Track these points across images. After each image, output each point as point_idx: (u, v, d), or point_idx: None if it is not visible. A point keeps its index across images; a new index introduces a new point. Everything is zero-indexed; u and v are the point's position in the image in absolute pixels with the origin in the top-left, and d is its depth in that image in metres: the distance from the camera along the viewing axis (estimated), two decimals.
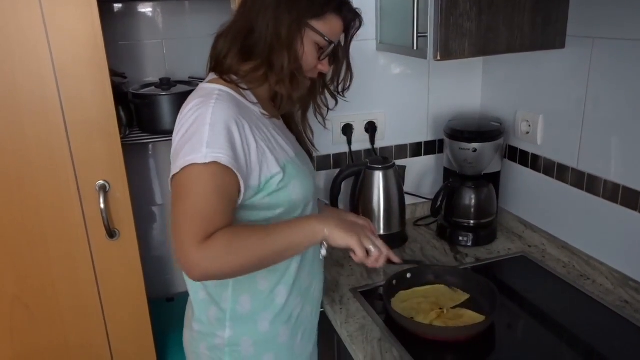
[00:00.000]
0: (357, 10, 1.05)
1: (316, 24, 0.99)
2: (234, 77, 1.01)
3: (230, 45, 1.01)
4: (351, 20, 1.04)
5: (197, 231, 0.86)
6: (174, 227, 0.88)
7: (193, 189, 0.88)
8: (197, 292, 1.08)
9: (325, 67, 1.05)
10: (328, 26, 1.00)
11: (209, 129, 0.89)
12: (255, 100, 1.02)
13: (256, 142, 0.95)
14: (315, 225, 0.95)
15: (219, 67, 1.02)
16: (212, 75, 1.03)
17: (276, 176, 0.98)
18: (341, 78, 1.11)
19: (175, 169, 0.90)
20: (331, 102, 1.15)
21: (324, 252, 1.03)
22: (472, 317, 1.19)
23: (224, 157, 0.88)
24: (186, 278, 1.03)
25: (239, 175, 0.91)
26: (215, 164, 0.87)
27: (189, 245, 0.86)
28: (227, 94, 0.96)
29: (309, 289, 1.13)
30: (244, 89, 1.01)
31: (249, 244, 0.90)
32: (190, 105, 0.94)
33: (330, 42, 1.01)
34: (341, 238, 0.96)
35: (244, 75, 1.01)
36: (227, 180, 0.90)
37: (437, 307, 1.22)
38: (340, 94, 1.13)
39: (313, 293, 1.15)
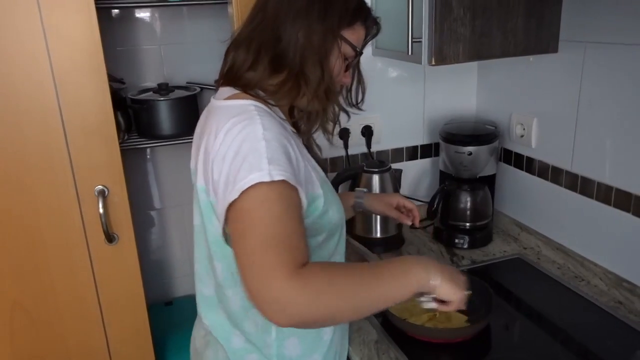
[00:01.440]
0: (378, 19, 0.98)
1: (346, 33, 0.91)
2: (260, 93, 0.90)
3: (256, 57, 0.89)
4: (371, 28, 0.97)
5: (286, 260, 0.70)
6: (248, 263, 0.72)
7: (264, 212, 0.73)
8: (229, 339, 0.96)
9: (348, 79, 0.97)
10: (355, 35, 0.93)
11: (265, 145, 0.77)
12: (283, 117, 0.92)
13: (302, 160, 0.85)
14: (421, 275, 0.81)
15: (238, 80, 0.91)
16: (231, 90, 0.91)
17: (319, 198, 0.88)
18: (353, 89, 1.02)
19: (233, 194, 0.74)
20: (343, 116, 1.02)
21: (432, 305, 0.88)
22: (458, 321, 1.20)
23: (289, 175, 0.76)
24: (216, 322, 0.95)
25: (302, 196, 0.79)
26: (282, 182, 0.75)
27: (280, 278, 0.68)
28: (264, 110, 0.86)
29: None
30: (271, 104, 0.89)
31: (351, 283, 0.75)
32: (229, 125, 0.81)
33: (359, 53, 0.95)
34: (449, 294, 0.84)
35: (275, 90, 0.89)
36: (295, 200, 0.77)
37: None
38: (356, 106, 1.03)
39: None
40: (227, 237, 0.86)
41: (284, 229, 0.73)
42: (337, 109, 0.95)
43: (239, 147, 0.78)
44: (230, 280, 0.92)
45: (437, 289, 0.84)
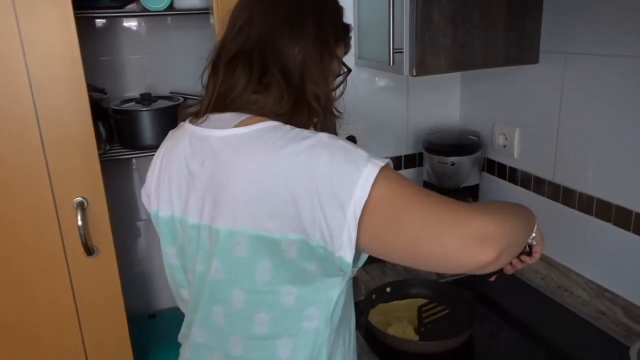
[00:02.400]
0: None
1: (337, 51, 0.87)
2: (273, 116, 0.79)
3: (262, 75, 0.79)
4: (348, 46, 0.93)
5: (459, 203, 0.70)
6: (434, 226, 0.67)
7: (402, 185, 0.70)
8: None
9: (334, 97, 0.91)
10: (341, 53, 0.89)
11: (345, 142, 0.73)
12: None
13: None
14: (532, 216, 0.87)
15: (245, 105, 0.79)
16: (238, 115, 0.79)
17: None
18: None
19: (361, 197, 0.66)
20: None
21: (534, 243, 0.92)
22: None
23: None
24: None
25: None
26: (389, 165, 0.72)
27: (474, 216, 0.67)
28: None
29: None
30: None
31: (508, 210, 0.78)
32: (287, 147, 0.71)
33: (349, 70, 0.90)
34: (542, 237, 0.91)
35: (290, 113, 0.79)
36: None
37: (414, 320, 1.22)
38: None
39: None
40: (356, 260, 0.73)
41: (425, 189, 0.71)
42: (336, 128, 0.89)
43: (326, 158, 0.69)
44: (279, 327, 0.80)
45: (537, 231, 0.88)
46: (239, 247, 0.75)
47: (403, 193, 0.69)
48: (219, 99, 0.81)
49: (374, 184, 0.67)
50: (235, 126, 0.77)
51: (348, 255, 0.69)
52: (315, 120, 0.83)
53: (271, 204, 0.71)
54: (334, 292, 0.79)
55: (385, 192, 0.68)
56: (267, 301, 0.78)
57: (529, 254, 0.93)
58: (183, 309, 0.95)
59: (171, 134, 0.91)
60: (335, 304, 0.80)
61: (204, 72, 0.86)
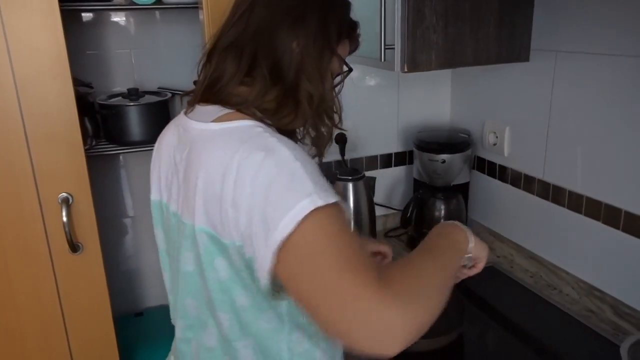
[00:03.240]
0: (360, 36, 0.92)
1: (339, 49, 0.84)
2: (257, 112, 0.77)
3: (251, 67, 0.78)
4: (354, 45, 0.91)
5: (368, 275, 0.62)
6: (329, 294, 0.62)
7: (328, 238, 0.64)
8: None
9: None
10: (343, 50, 0.86)
11: (301, 166, 0.67)
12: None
13: None
14: (462, 236, 0.84)
15: (228, 97, 0.78)
16: (219, 109, 0.77)
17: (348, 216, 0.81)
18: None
19: (285, 228, 0.63)
20: None
21: (471, 264, 0.89)
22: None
23: (336, 195, 0.67)
24: None
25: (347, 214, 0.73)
26: (336, 205, 0.66)
27: (371, 293, 0.61)
28: (272, 131, 0.75)
29: None
30: (267, 124, 0.77)
31: (427, 270, 0.72)
32: (242, 153, 0.68)
33: (350, 70, 0.87)
34: (481, 249, 0.88)
35: (275, 109, 0.77)
36: (344, 218, 0.68)
37: None
38: (336, 126, 0.90)
39: None
40: (273, 285, 0.70)
41: (352, 249, 0.65)
42: (332, 128, 0.86)
43: (271, 176, 0.66)
44: (238, 332, 0.79)
45: (473, 247, 0.85)
46: (198, 243, 0.75)
47: (326, 246, 0.64)
48: (208, 87, 0.80)
49: (303, 221, 0.62)
50: (213, 120, 0.76)
51: (263, 278, 0.67)
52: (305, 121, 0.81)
53: (220, 206, 0.69)
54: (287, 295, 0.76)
55: (310, 236, 0.63)
56: (224, 300, 0.77)
57: (471, 266, 0.90)
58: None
59: (172, 121, 0.91)
60: (290, 303, 0.77)
61: (200, 61, 0.85)
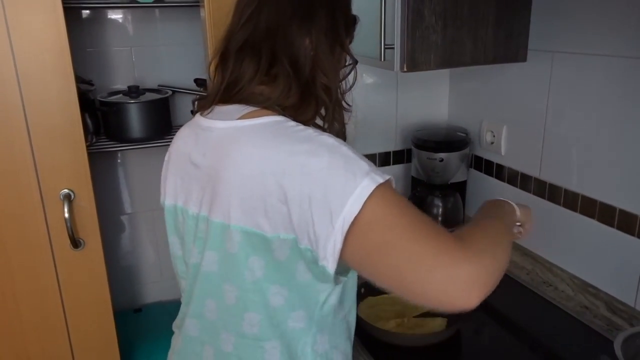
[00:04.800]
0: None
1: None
2: (279, 109, 0.77)
3: (270, 66, 0.78)
4: (352, 38, 0.92)
5: (446, 236, 0.66)
6: (415, 260, 0.64)
7: (396, 208, 0.66)
8: None
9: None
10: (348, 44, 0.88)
11: (348, 149, 0.69)
12: None
13: None
14: (509, 206, 0.89)
15: (250, 96, 0.79)
16: (243, 107, 0.78)
17: None
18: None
19: (352, 208, 0.64)
20: None
21: (520, 229, 0.93)
22: (431, 326, 1.20)
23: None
24: None
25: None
26: (390, 181, 0.68)
27: (454, 251, 0.64)
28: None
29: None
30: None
31: (493, 232, 0.76)
32: (283, 145, 0.70)
33: (356, 62, 0.88)
34: (527, 215, 0.92)
35: (297, 105, 0.79)
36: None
37: (401, 314, 1.23)
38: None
39: None
40: (340, 272, 0.73)
41: (421, 217, 0.67)
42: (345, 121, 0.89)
43: (324, 162, 0.67)
44: (269, 332, 0.79)
45: (521, 215, 0.90)
46: (232, 242, 0.74)
47: (397, 217, 0.66)
48: (226, 89, 0.80)
49: (368, 199, 0.64)
50: (239, 118, 0.76)
51: (330, 265, 0.68)
52: (323, 113, 0.82)
53: (265, 202, 0.69)
54: (322, 294, 0.78)
55: (379, 211, 0.65)
56: (256, 300, 0.77)
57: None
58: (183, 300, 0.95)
59: (185, 125, 0.90)
60: (323, 304, 0.79)
61: (210, 63, 0.86)
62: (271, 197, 0.69)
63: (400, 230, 0.65)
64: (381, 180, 0.65)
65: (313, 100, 0.79)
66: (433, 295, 0.65)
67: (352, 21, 0.89)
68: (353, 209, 0.64)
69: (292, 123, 0.74)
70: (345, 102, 0.87)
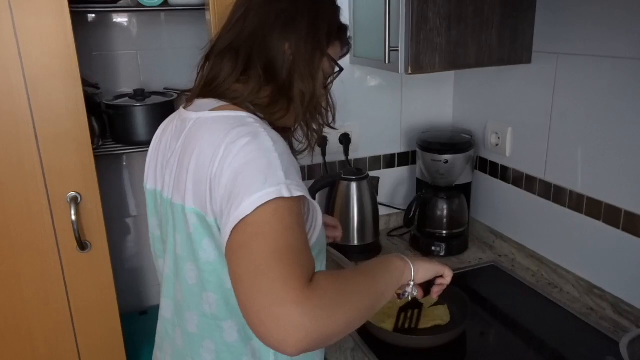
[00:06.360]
0: (350, 38, 0.98)
1: (330, 50, 0.89)
2: (250, 106, 0.83)
3: (246, 67, 0.84)
4: (345, 47, 0.96)
5: (299, 273, 0.64)
6: (256, 275, 0.64)
7: (280, 224, 0.67)
8: None
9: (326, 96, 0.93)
10: (333, 52, 0.91)
11: (278, 157, 0.72)
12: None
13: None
14: (400, 264, 0.86)
15: (225, 92, 0.85)
16: (216, 102, 0.84)
17: (315, 213, 0.81)
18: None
19: (246, 208, 0.67)
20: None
21: (416, 292, 0.92)
22: (434, 317, 1.21)
23: (305, 191, 0.72)
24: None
25: (310, 214, 0.78)
26: (299, 198, 0.70)
27: (292, 290, 0.62)
28: (262, 123, 0.80)
29: None
30: (261, 118, 0.83)
31: (355, 289, 0.72)
32: (232, 136, 0.74)
33: (341, 69, 0.92)
34: (427, 269, 0.91)
35: (267, 104, 0.84)
36: (302, 216, 0.73)
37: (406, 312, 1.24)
38: (329, 125, 0.95)
39: None
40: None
41: (297, 244, 0.67)
42: (323, 125, 0.92)
43: (249, 159, 0.71)
44: (225, 311, 0.83)
45: (416, 273, 0.88)
46: (188, 223, 0.80)
47: (273, 233, 0.66)
48: (206, 85, 0.87)
49: (262, 205, 0.66)
50: (210, 110, 0.82)
51: (217, 250, 0.74)
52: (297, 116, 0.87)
53: (208, 186, 0.74)
54: None
55: (262, 218, 0.67)
56: (212, 281, 0.81)
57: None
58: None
59: (170, 116, 0.97)
60: None
61: (200, 62, 0.92)
62: (212, 182, 0.74)
63: (264, 245, 0.65)
64: (286, 195, 0.68)
65: (285, 103, 0.84)
66: (251, 319, 0.64)
67: (339, 30, 0.92)
68: (247, 209, 0.67)
69: (252, 120, 0.79)
70: (321, 106, 0.89)
